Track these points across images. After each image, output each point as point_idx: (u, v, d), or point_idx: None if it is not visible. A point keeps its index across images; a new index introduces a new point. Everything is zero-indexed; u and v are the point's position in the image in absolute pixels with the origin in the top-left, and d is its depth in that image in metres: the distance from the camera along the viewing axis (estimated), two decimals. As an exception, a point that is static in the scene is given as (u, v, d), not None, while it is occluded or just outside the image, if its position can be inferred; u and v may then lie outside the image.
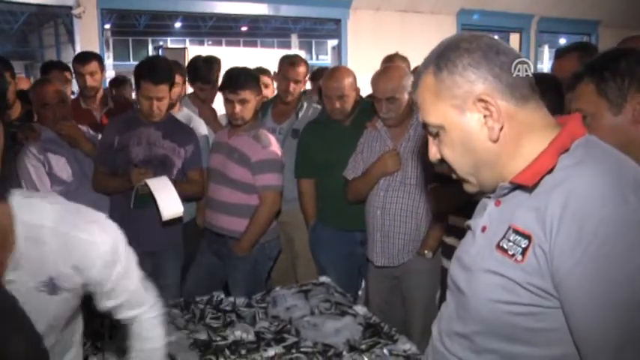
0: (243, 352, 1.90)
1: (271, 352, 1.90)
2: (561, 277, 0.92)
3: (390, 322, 2.20)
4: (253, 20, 21.13)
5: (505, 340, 1.02)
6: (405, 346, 1.94)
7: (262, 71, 4.03)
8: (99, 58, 3.66)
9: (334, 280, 2.56)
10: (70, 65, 3.79)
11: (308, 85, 3.96)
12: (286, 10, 7.15)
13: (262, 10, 6.88)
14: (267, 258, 2.92)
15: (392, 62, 3.40)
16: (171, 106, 3.16)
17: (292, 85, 3.31)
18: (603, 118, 1.39)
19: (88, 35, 6.09)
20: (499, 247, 1.02)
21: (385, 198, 2.64)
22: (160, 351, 1.42)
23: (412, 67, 3.59)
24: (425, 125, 1.10)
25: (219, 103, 3.60)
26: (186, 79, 3.57)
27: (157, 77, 2.69)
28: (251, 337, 2.00)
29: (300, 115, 3.35)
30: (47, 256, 1.09)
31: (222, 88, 2.87)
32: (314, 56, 25.68)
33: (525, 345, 1.00)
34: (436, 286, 2.63)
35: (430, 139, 1.11)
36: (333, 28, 7.98)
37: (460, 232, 1.27)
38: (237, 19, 21.27)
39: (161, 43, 23.14)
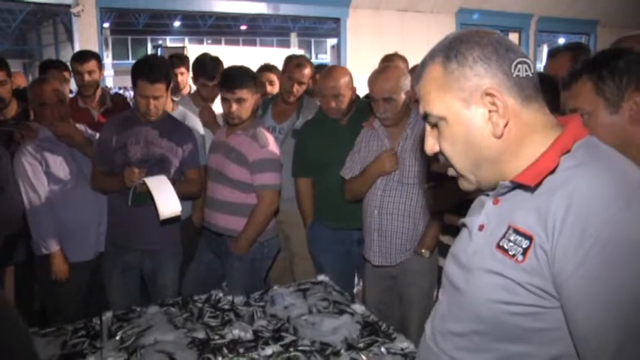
0: (241, 350, 1.89)
1: (269, 350, 1.90)
2: (563, 279, 0.92)
3: (387, 321, 2.20)
4: (252, 19, 21.16)
5: (503, 340, 1.02)
6: (403, 344, 1.94)
7: (269, 68, 4.03)
8: (97, 57, 3.66)
9: (332, 279, 2.56)
10: (69, 64, 3.79)
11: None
12: (286, 9, 7.16)
13: (262, 9, 6.89)
14: (265, 257, 2.92)
15: (391, 62, 3.40)
16: (180, 90, 3.20)
17: (296, 87, 3.31)
18: (600, 116, 1.39)
19: (86, 34, 6.09)
20: (499, 246, 1.01)
21: (382, 197, 2.64)
22: None
23: (411, 66, 3.59)
24: (425, 116, 1.08)
25: (217, 104, 3.61)
26: (190, 75, 3.62)
27: (154, 76, 2.68)
28: (249, 335, 2.00)
29: (301, 115, 3.35)
30: None
31: (219, 87, 2.87)
32: (313, 55, 25.66)
33: (523, 345, 1.00)
34: (433, 285, 2.64)
35: (428, 131, 1.10)
36: (333, 27, 7.99)
37: (456, 231, 1.26)
38: (236, 18, 21.30)
39: (160, 42, 23.12)
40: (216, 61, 3.54)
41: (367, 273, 2.84)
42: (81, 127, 2.95)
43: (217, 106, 3.60)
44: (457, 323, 1.10)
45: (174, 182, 2.71)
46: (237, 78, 2.77)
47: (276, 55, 6.83)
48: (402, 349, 1.91)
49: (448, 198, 2.28)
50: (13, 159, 2.74)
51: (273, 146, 2.82)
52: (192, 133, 2.99)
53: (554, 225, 0.92)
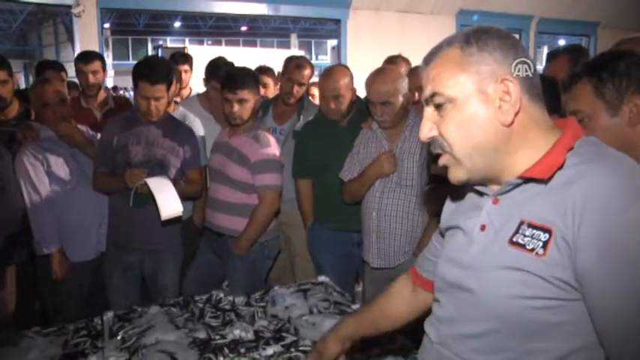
0: (242, 350, 1.90)
1: (270, 350, 1.90)
2: (587, 269, 0.93)
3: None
4: (253, 20, 21.15)
5: (522, 336, 1.02)
6: (403, 343, 1.94)
7: (264, 70, 4.02)
8: (101, 58, 3.67)
9: (332, 280, 2.56)
10: (68, 65, 3.80)
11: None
12: (286, 10, 7.17)
13: (262, 9, 6.90)
14: (266, 257, 2.93)
15: (393, 63, 3.39)
16: (183, 88, 3.20)
17: (296, 88, 3.30)
18: (600, 119, 1.40)
19: (87, 34, 6.10)
20: (513, 242, 1.02)
21: (381, 199, 2.63)
22: None
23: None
24: (433, 96, 1.07)
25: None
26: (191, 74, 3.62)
27: (154, 77, 2.69)
28: (250, 335, 2.00)
29: (302, 117, 3.35)
30: None
31: (221, 88, 2.88)
32: (313, 56, 25.66)
33: (543, 340, 1.01)
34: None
35: (427, 115, 1.09)
36: (333, 28, 8.00)
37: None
38: (236, 18, 21.30)
39: (160, 42, 23.12)
40: (230, 65, 3.54)
41: (366, 275, 2.84)
42: (82, 127, 2.96)
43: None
44: (471, 325, 1.10)
45: (175, 183, 2.72)
46: (239, 79, 2.78)
47: (276, 56, 6.84)
48: (403, 349, 1.92)
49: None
50: (15, 159, 2.74)
51: (274, 147, 2.83)
52: (193, 133, 2.99)
53: (574, 216, 0.94)
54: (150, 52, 21.86)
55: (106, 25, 16.08)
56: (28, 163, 2.73)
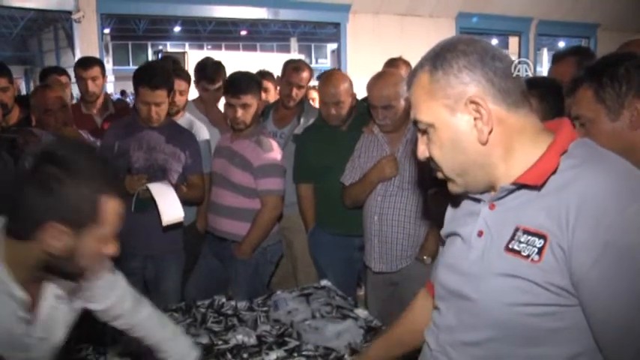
0: (244, 355, 1.90)
1: (273, 355, 1.90)
2: (582, 274, 0.93)
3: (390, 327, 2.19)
4: (253, 24, 21.17)
5: (521, 344, 1.02)
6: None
7: (264, 74, 4.02)
8: (101, 64, 3.66)
9: (334, 284, 2.56)
10: (70, 70, 3.79)
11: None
12: (285, 14, 7.17)
13: (261, 14, 6.90)
14: (268, 262, 2.93)
15: (394, 66, 3.39)
16: (176, 112, 3.16)
17: (295, 91, 3.31)
18: (602, 123, 1.40)
19: (87, 40, 6.10)
20: (509, 249, 1.02)
21: (383, 203, 2.63)
22: None
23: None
24: (415, 122, 1.11)
25: (219, 107, 3.60)
26: (192, 80, 3.54)
27: (154, 83, 2.69)
28: (252, 340, 2.00)
29: (302, 120, 3.35)
30: None
31: (224, 93, 2.88)
32: (313, 60, 25.68)
33: (543, 346, 1.00)
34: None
35: (420, 137, 1.12)
36: (333, 31, 8.00)
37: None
38: (236, 23, 21.30)
39: (160, 47, 23.17)
40: (217, 64, 3.54)
41: (368, 280, 2.83)
42: (83, 133, 2.96)
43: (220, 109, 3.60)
44: (471, 332, 1.10)
45: (176, 188, 2.71)
46: (242, 83, 2.78)
47: (276, 60, 6.84)
48: (404, 357, 1.91)
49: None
50: (17, 165, 2.74)
51: (277, 152, 2.83)
52: (194, 138, 2.99)
53: (568, 221, 0.93)
54: (150, 57, 21.86)
55: (106, 31, 16.10)
56: (29, 170, 2.72)
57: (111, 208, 1.25)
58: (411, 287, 2.62)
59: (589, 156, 1.00)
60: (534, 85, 1.73)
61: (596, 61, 1.52)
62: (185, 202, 2.74)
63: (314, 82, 3.99)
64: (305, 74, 3.35)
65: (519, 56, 8.38)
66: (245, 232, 2.79)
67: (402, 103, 2.56)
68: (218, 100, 3.59)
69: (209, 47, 23.22)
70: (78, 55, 5.63)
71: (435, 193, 2.50)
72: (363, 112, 2.91)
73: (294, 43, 22.54)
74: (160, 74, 2.75)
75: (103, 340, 1.98)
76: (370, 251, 2.69)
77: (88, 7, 5.98)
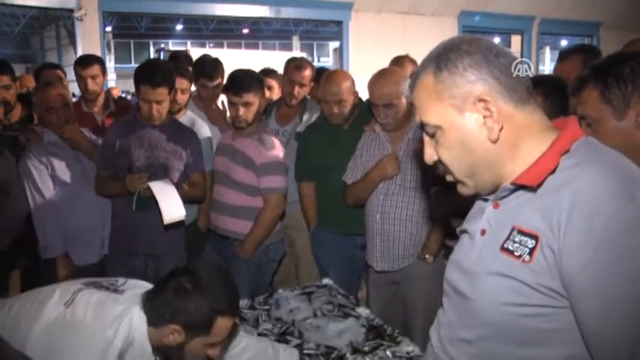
0: (246, 354, 1.89)
1: (274, 354, 1.90)
2: (572, 276, 0.92)
3: (392, 326, 2.19)
4: (255, 22, 21.20)
5: (514, 344, 1.02)
6: (408, 347, 1.94)
7: (268, 72, 4.01)
8: (101, 62, 3.64)
9: (335, 283, 2.55)
10: (69, 69, 3.79)
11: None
12: (287, 13, 7.18)
13: (264, 12, 6.91)
14: (270, 260, 2.92)
15: (400, 64, 3.38)
16: (178, 110, 3.15)
17: (297, 89, 3.29)
18: (607, 123, 1.40)
19: (89, 38, 6.11)
20: (504, 248, 1.01)
21: (384, 202, 2.61)
22: None
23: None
24: (422, 125, 1.09)
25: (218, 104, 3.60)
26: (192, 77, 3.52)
27: (155, 80, 2.68)
28: (254, 339, 2.00)
29: (304, 118, 3.35)
30: None
31: (226, 91, 2.87)
32: (315, 58, 25.67)
33: (535, 347, 1.00)
34: (438, 290, 2.61)
35: (427, 140, 1.11)
36: (335, 30, 8.00)
37: (464, 235, 1.25)
38: (238, 21, 21.32)
39: (162, 45, 23.16)
40: (215, 61, 3.53)
41: (370, 278, 2.82)
42: (85, 131, 2.95)
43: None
44: (466, 330, 1.10)
45: (178, 186, 2.71)
46: (244, 82, 2.77)
47: (278, 59, 6.84)
48: (408, 353, 1.91)
49: (455, 202, 2.26)
50: (19, 163, 2.75)
51: (279, 149, 2.83)
52: (196, 136, 2.98)
53: (560, 223, 0.93)
54: (152, 55, 21.86)
55: (108, 29, 16.13)
56: (32, 167, 2.73)
57: (224, 325, 1.56)
58: (413, 286, 2.63)
59: (588, 155, 0.99)
60: (538, 83, 1.72)
61: (601, 60, 1.51)
62: (186, 201, 2.73)
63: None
64: (307, 72, 3.34)
65: (522, 55, 8.37)
66: (247, 230, 2.78)
67: (404, 101, 2.54)
68: (217, 97, 3.58)
69: (211, 45, 23.24)
70: (80, 53, 5.65)
71: (437, 191, 2.49)
72: (365, 109, 2.90)
73: (296, 41, 22.58)
74: (162, 72, 2.74)
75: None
76: (372, 250, 2.68)
77: (90, 5, 5.99)
